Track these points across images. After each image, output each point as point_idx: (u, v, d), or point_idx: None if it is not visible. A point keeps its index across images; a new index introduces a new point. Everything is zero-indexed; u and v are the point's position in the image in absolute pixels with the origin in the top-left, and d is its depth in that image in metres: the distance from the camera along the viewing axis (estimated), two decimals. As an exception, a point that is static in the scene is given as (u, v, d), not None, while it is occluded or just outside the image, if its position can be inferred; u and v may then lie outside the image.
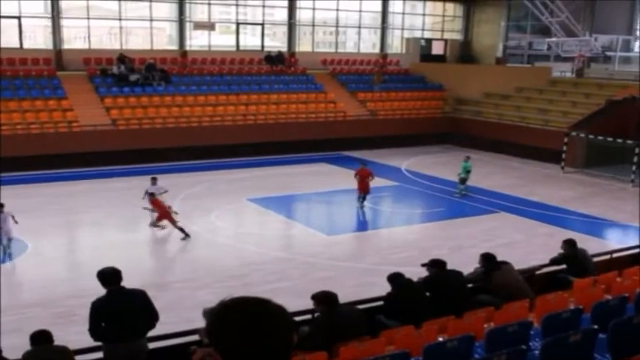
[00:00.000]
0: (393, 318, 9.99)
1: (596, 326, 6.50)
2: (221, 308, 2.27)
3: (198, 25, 40.37)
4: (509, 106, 37.68)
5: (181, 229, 19.08)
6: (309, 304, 9.39)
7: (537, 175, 30.29)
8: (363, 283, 14.97)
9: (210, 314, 2.28)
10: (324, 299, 9.22)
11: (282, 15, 42.45)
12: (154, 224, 19.87)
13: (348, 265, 17.31)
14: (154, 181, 21.47)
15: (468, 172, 25.30)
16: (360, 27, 45.21)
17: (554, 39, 40.04)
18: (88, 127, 30.68)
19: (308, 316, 9.20)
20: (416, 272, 11.25)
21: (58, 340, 8.46)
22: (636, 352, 4.81)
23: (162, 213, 19.50)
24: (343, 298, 9.42)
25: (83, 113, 31.53)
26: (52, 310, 13.70)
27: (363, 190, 22.96)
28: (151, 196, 19.73)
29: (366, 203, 23.09)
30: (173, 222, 19.34)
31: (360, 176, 23.12)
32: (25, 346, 8.36)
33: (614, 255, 13.91)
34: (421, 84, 42.95)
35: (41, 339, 8.39)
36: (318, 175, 29.29)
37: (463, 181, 25.30)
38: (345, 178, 27.77)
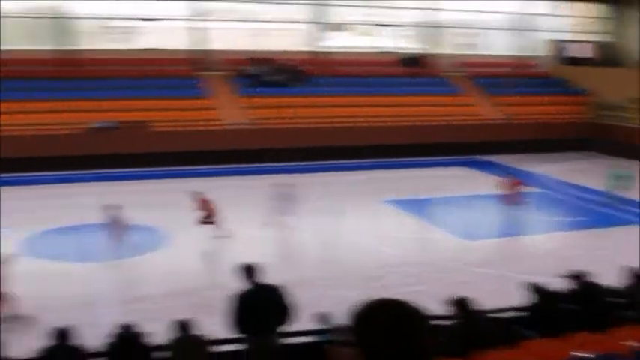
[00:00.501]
0: (533, 329, 9.83)
1: None
2: (367, 309, 2.35)
3: (336, 27, 40.77)
4: (657, 111, 35.85)
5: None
6: (444, 309, 9.40)
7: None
8: (500, 291, 14.70)
9: (356, 314, 2.36)
10: (462, 305, 9.21)
11: (421, 16, 42.20)
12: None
13: (486, 272, 17.07)
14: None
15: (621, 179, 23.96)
16: (499, 29, 44.30)
17: None
18: (228, 126, 31.76)
19: (444, 322, 9.20)
20: (555, 282, 11.03)
21: (196, 329, 8.87)
22: None
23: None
24: (480, 305, 9.36)
25: (223, 112, 32.63)
26: (191, 300, 14.31)
27: (513, 201, 22.22)
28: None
29: (504, 208, 22.53)
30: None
31: (507, 186, 22.40)
32: (165, 332, 8.82)
33: None
34: (561, 88, 41.57)
35: (183, 327, 8.84)
36: (455, 179, 29.04)
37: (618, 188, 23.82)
38: (482, 183, 27.42)
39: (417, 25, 42.78)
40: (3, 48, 32.81)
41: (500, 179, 22.75)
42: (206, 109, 32.91)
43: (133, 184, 26.99)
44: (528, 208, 21.40)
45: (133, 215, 21.27)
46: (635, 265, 11.17)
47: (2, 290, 12.89)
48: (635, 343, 8.13)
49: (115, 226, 17.59)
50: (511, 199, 22.11)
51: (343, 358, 5.11)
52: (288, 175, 28.29)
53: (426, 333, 2.34)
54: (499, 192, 22.42)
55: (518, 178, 22.63)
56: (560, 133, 36.79)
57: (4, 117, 29.35)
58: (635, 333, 8.86)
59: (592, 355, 7.39)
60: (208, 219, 19.96)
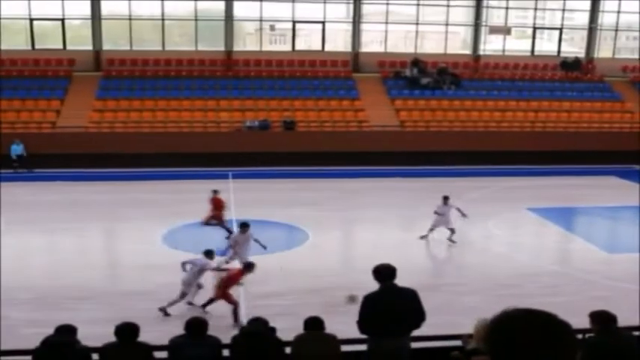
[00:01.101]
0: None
1: None
2: (507, 318, 2.26)
3: (494, 30, 39.92)
4: None
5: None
6: (581, 323, 8.98)
7: None
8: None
9: (495, 322, 2.27)
10: (601, 319, 8.77)
11: (582, 19, 40.56)
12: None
13: (628, 287, 16.17)
14: (445, 200, 20.02)
15: None
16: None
17: None
18: (377, 128, 31.92)
19: (579, 336, 8.78)
20: None
21: (328, 328, 8.95)
22: None
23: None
24: (620, 322, 8.88)
25: (374, 114, 32.85)
26: (325, 299, 14.47)
27: None
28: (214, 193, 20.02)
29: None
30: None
31: None
32: (296, 329, 8.94)
33: None
34: None
35: (314, 325, 8.91)
36: (605, 189, 27.73)
37: None
38: (634, 194, 26.03)
39: (578, 28, 41.12)
40: (167, 49, 34.91)
41: None
42: (358, 110, 33.24)
43: (280, 182, 27.69)
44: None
45: (276, 212, 21.94)
46: None
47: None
48: None
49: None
50: None
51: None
52: (434, 179, 28.19)
53: (573, 349, 2.23)
54: None
55: None
56: None
57: (163, 114, 31.39)
58: None
59: None
60: (214, 219, 19.89)
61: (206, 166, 28.79)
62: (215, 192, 20.07)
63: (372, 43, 39.04)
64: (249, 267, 14.03)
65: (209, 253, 14.55)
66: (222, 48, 35.91)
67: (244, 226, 16.50)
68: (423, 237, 19.38)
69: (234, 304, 13.49)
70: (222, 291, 13.61)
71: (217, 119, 31.85)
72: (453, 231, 19.27)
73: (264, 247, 16.64)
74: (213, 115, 32.10)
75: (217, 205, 19.85)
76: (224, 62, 35.64)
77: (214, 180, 27.14)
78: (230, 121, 31.71)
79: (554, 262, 18.32)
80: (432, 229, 19.39)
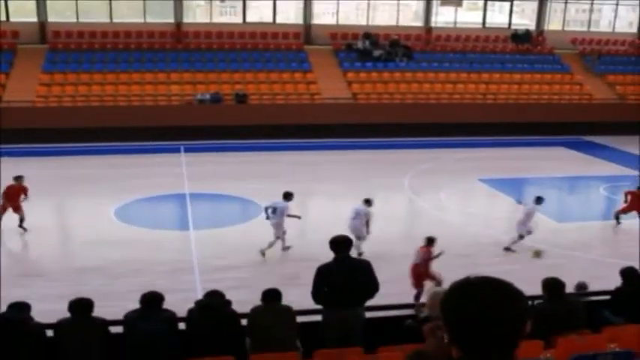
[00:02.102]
0: (620, 314, 9.46)
1: None
2: (460, 285, 2.28)
3: (445, 2, 39.98)
4: None
5: None
6: (532, 291, 9.15)
7: None
8: (590, 275, 14.23)
9: (449, 290, 2.30)
10: (548, 286, 8.96)
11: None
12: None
13: (577, 255, 16.58)
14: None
15: None
16: (617, 4, 42.32)
17: None
18: (330, 100, 31.86)
19: (530, 302, 8.95)
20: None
21: (283, 299, 8.95)
22: None
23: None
24: (568, 288, 9.08)
25: (326, 86, 32.75)
26: (282, 271, 14.52)
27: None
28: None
29: (602, 191, 21.68)
30: None
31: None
32: (254, 301, 8.93)
33: None
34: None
35: (271, 296, 8.89)
36: (554, 160, 28.15)
37: None
38: (583, 165, 26.55)
39: (531, 0, 41.41)
40: (115, 21, 34.23)
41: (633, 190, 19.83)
42: (310, 82, 33.11)
43: (233, 155, 27.52)
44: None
45: (230, 186, 21.84)
46: None
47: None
48: None
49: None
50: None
51: (432, 335, 5.03)
52: (386, 151, 28.34)
53: (524, 317, 2.26)
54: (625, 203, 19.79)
55: None
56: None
57: (112, 87, 30.84)
58: None
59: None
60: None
61: (157, 139, 28.44)
62: (17, 178, 18.12)
63: (323, 15, 38.83)
64: (431, 241, 14.02)
65: (288, 196, 16.25)
66: (171, 20, 35.31)
67: (288, 195, 16.43)
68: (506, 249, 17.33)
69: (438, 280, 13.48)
70: (425, 273, 13.70)
71: (168, 92, 31.42)
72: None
73: (299, 217, 16.82)
74: (164, 88, 31.64)
75: (11, 195, 17.88)
76: (174, 34, 35.09)
77: (166, 154, 26.95)
78: (181, 94, 31.31)
79: (505, 232, 18.55)
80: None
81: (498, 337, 2.19)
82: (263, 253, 15.79)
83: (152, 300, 8.53)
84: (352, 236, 12.98)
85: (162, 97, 31.14)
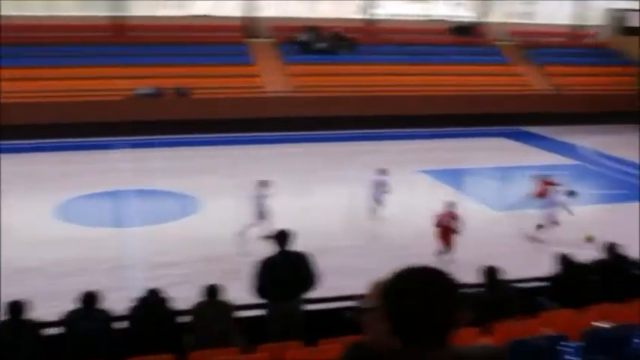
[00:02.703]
0: (555, 300, 9.70)
1: None
2: (399, 275, 2.32)
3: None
4: None
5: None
6: (472, 279, 9.33)
7: None
8: (528, 263, 14.54)
9: (387, 280, 2.33)
10: (488, 274, 9.14)
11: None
12: None
13: (516, 243, 16.91)
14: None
15: None
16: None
17: None
18: (273, 94, 31.78)
19: (468, 290, 9.11)
20: (587, 255, 10.87)
21: (225, 295, 8.93)
22: None
23: None
24: (507, 275, 9.26)
25: (269, 80, 32.68)
26: (222, 266, 14.46)
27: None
28: None
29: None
30: None
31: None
32: (194, 297, 8.89)
33: None
34: (617, 59, 40.48)
35: (212, 292, 8.87)
36: (494, 150, 28.64)
37: None
38: (521, 154, 27.02)
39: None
40: (55, 14, 33.49)
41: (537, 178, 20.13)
42: (252, 76, 32.93)
43: (174, 150, 27.23)
44: (567, 181, 20.73)
45: (169, 182, 21.65)
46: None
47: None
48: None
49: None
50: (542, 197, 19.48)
51: (372, 326, 5.06)
52: (330, 144, 28.41)
53: (460, 306, 2.31)
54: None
55: (551, 178, 19.54)
56: (611, 105, 35.79)
57: (51, 82, 30.12)
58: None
59: (611, 326, 7.22)
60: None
61: (98, 135, 27.96)
62: None
63: (265, 7, 38.59)
64: (453, 205, 15.99)
65: (383, 171, 17.87)
66: (112, 13, 34.73)
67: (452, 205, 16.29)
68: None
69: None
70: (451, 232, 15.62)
71: (108, 87, 30.86)
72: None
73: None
74: (104, 82, 31.06)
75: None
76: (113, 28, 34.52)
77: (107, 150, 26.55)
78: (121, 88, 30.82)
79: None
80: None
81: (436, 326, 2.24)
82: (241, 235, 16.13)
83: (91, 299, 8.45)
84: (374, 204, 18.43)
85: (103, 91, 30.58)
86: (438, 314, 2.22)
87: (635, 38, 41.63)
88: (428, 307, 2.21)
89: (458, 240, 15.64)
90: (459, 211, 15.96)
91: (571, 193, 18.14)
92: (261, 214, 16.55)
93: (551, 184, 19.14)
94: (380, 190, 18.62)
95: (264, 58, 34.27)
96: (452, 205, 16.03)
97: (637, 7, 42.61)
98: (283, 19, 37.33)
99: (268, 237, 16.04)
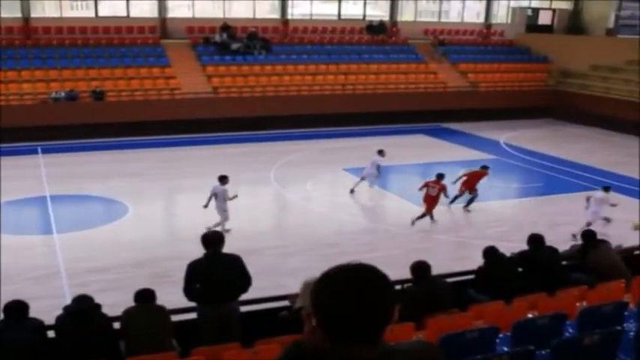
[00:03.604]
0: (484, 292, 9.88)
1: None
2: (329, 274, 2.28)
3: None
4: (618, 79, 36.18)
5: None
6: (400, 275, 9.40)
7: (645, 153, 29.09)
8: (456, 257, 14.87)
9: (318, 279, 2.29)
10: (415, 270, 9.22)
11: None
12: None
13: (442, 238, 17.19)
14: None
15: None
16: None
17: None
18: (190, 95, 31.41)
19: (398, 287, 9.20)
20: (511, 247, 11.13)
21: (157, 299, 8.77)
22: None
23: None
24: (435, 270, 9.39)
25: (185, 81, 32.26)
26: (152, 271, 14.22)
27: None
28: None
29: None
30: None
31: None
32: (126, 303, 8.70)
33: None
34: (525, 55, 41.79)
35: (144, 297, 8.68)
36: (415, 147, 29.05)
37: None
38: (442, 150, 27.49)
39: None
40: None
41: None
42: (168, 77, 32.47)
43: (93, 154, 26.59)
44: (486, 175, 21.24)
45: (92, 186, 21.13)
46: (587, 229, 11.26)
47: None
48: (581, 303, 8.20)
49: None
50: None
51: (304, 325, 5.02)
52: (249, 144, 28.29)
53: (390, 302, 2.28)
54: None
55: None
56: (523, 100, 36.94)
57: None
58: (582, 294, 8.96)
59: (541, 317, 7.40)
60: None
61: (12, 141, 26.94)
62: None
63: (179, 7, 38.11)
64: (441, 176, 18.62)
65: (223, 179, 16.95)
66: (18, 14, 33.63)
67: (223, 178, 17.04)
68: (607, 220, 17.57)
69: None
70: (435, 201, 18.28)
71: (20, 91, 29.88)
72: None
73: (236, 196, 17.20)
74: (15, 86, 30.04)
75: None
76: (22, 29, 33.44)
77: (22, 156, 25.70)
78: (34, 92, 29.88)
79: (372, 220, 19.03)
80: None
81: (366, 324, 2.22)
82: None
83: (16, 309, 8.15)
84: (367, 182, 20.81)
85: (13, 96, 29.58)
86: (368, 312, 2.21)
87: (543, 35, 43.15)
88: (357, 306, 2.19)
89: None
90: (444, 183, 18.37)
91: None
92: (225, 210, 16.91)
93: (477, 177, 19.76)
94: (372, 169, 21.06)
95: (180, 59, 33.83)
96: (441, 176, 18.52)
97: (545, 6, 44.27)
98: (198, 20, 36.99)
99: (225, 232, 16.51)
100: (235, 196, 17.06)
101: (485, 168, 20.42)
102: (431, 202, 18.30)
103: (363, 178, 21.24)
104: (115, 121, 28.85)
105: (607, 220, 17.31)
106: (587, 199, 17.66)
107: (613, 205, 17.45)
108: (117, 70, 32.06)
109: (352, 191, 21.20)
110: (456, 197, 19.97)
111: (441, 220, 18.81)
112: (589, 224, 16.24)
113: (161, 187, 22.20)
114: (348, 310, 2.20)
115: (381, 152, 21.57)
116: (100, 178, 22.45)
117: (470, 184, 19.89)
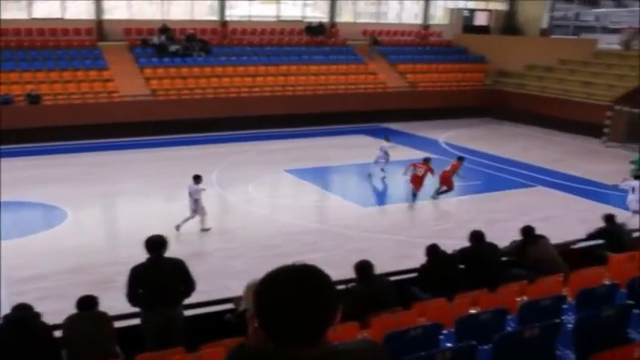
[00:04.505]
0: (427, 290, 9.97)
1: (631, 302, 6.39)
2: (274, 275, 2.28)
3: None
4: (553, 78, 37.06)
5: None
6: (342, 275, 9.41)
7: (579, 150, 29.85)
8: (398, 255, 14.95)
9: (262, 280, 2.28)
10: (359, 269, 9.25)
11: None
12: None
13: (384, 237, 17.28)
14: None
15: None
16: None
17: (602, 10, 39.07)
18: (128, 98, 30.95)
19: (341, 287, 9.20)
20: (452, 245, 11.25)
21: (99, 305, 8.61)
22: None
23: None
24: (378, 269, 9.43)
25: (123, 84, 31.78)
26: (92, 277, 13.95)
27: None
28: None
29: (404, 175, 22.77)
30: None
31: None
32: (67, 310, 8.51)
33: (654, 230, 13.68)
34: (463, 55, 42.44)
35: (86, 304, 8.51)
36: (356, 147, 29.16)
37: None
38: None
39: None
40: None
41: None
42: (106, 80, 31.92)
43: (28, 159, 25.94)
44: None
45: (29, 192, 20.63)
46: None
47: None
48: (521, 298, 8.33)
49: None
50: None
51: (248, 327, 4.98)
52: (190, 147, 28.04)
53: (333, 298, 2.27)
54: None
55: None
56: (461, 100, 37.54)
57: None
58: (522, 288, 9.11)
59: (482, 312, 7.49)
60: None
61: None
62: None
63: (116, 9, 37.50)
64: (461, 159, 21.56)
65: (197, 178, 17.32)
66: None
67: (197, 178, 17.50)
68: None
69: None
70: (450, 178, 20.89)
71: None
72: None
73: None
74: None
75: None
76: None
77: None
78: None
79: (314, 220, 19.02)
80: None
81: (308, 325, 2.22)
82: (177, 228, 16.93)
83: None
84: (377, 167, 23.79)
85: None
86: (309, 313, 2.21)
87: (480, 36, 43.91)
88: (298, 307, 2.19)
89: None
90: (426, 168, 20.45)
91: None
92: (197, 208, 17.27)
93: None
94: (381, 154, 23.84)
95: (118, 61, 33.31)
96: (427, 160, 21.01)
97: (481, 7, 45.05)
98: (135, 22, 36.49)
99: (204, 230, 17.35)
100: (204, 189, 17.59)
101: (460, 159, 21.75)
102: (417, 181, 20.39)
103: (376, 162, 24.12)
104: (51, 125, 28.20)
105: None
106: (633, 190, 18.51)
107: None
108: (53, 74, 31.38)
109: (370, 175, 24.12)
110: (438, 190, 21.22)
111: (383, 220, 18.96)
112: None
113: (101, 191, 21.81)
114: (289, 311, 2.19)
115: (387, 138, 24.90)
116: (37, 183, 21.94)
117: (446, 178, 21.11)
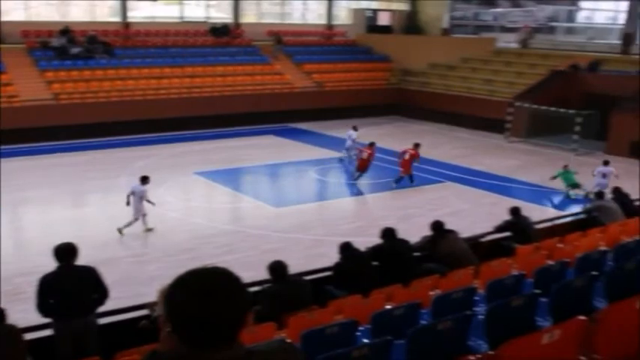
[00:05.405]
0: (342, 288, 10.06)
1: (538, 291, 6.62)
2: (183, 278, 2.26)
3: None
4: (455, 76, 38.01)
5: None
6: (256, 276, 9.44)
7: (483, 145, 30.72)
8: (311, 255, 15.06)
9: (172, 284, 2.27)
10: (273, 270, 9.27)
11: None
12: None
13: (297, 237, 17.34)
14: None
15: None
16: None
17: (499, 9, 40.33)
18: (29, 102, 29.95)
19: (256, 288, 9.21)
20: (365, 242, 11.38)
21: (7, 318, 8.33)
22: (576, 314, 4.94)
23: None
24: (292, 269, 9.46)
25: (23, 88, 30.73)
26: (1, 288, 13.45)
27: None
28: None
29: (314, 174, 22.98)
30: None
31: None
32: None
33: (556, 222, 14.25)
34: (367, 55, 43.01)
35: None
36: (265, 148, 29.17)
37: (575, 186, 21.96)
38: (292, 150, 27.79)
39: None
40: None
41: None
42: (5, 84, 30.74)
43: None
44: (336, 173, 21.77)
45: None
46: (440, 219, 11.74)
47: None
48: (434, 292, 8.52)
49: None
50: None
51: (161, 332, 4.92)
52: (96, 151, 27.40)
53: (245, 300, 2.27)
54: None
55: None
56: (367, 99, 38.04)
57: None
58: (435, 282, 9.32)
59: (397, 307, 7.62)
60: None
61: None
62: None
63: (13, 10, 36.23)
64: (417, 145, 23.12)
65: (145, 179, 17.51)
66: None
67: (145, 179, 17.61)
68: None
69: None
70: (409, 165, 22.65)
71: None
72: None
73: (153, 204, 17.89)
74: None
75: None
76: None
77: None
78: None
79: (227, 222, 18.92)
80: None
81: (219, 328, 2.22)
82: (120, 231, 17.13)
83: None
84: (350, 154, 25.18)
85: None
86: (220, 316, 2.21)
87: (383, 35, 44.58)
88: (208, 310, 2.19)
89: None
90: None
91: None
92: (140, 210, 17.44)
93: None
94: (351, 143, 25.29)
95: (17, 65, 32.18)
96: (417, 145, 22.98)
97: (383, 7, 45.74)
98: (34, 24, 35.35)
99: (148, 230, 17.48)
100: (152, 203, 17.85)
101: (417, 145, 23.27)
102: (406, 165, 22.53)
103: (347, 149, 26.06)
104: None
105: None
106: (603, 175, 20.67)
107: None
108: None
109: (341, 160, 26.23)
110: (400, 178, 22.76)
111: (295, 220, 19.01)
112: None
113: (4, 200, 21.03)
114: (200, 315, 2.19)
115: (355, 128, 26.71)
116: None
117: (407, 165, 22.66)
